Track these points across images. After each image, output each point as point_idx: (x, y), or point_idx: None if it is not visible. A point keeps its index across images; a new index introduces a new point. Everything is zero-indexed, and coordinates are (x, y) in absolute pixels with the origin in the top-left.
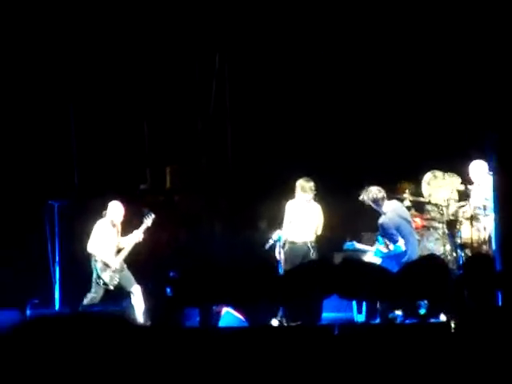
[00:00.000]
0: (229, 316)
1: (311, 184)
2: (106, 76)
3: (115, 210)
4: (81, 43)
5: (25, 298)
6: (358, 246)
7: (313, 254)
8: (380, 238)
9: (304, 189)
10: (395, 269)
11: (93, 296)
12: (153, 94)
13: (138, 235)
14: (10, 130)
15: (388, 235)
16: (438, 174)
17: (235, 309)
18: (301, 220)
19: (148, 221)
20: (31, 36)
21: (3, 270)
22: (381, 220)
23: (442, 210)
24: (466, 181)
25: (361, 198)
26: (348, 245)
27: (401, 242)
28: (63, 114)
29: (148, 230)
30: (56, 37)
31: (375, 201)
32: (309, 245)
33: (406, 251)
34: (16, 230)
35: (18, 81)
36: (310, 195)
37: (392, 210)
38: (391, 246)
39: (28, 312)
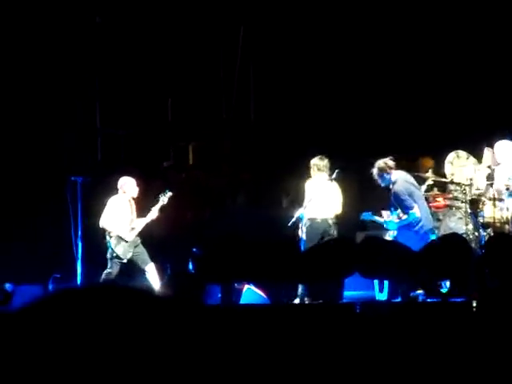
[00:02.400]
0: (250, 293)
1: (325, 162)
2: (132, 53)
3: (128, 185)
4: (105, 21)
5: (48, 273)
6: (375, 217)
7: (333, 232)
8: (393, 209)
9: (319, 167)
10: (413, 239)
11: (108, 272)
12: (177, 70)
13: (153, 213)
14: (34, 105)
15: (402, 202)
16: (462, 153)
17: (257, 286)
18: (320, 198)
19: (164, 198)
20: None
21: (26, 246)
22: (393, 188)
23: (464, 189)
24: (491, 161)
25: (372, 172)
26: (365, 215)
27: (415, 209)
28: (88, 90)
29: (168, 207)
30: (78, 14)
31: (384, 170)
32: (329, 222)
33: (419, 219)
34: (39, 206)
35: (44, 55)
36: (326, 173)
37: (401, 178)
38: (404, 216)
39: (51, 287)
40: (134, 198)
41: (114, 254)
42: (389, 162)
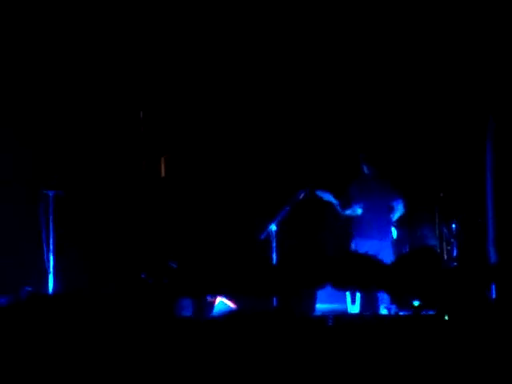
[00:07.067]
0: (222, 306)
1: None
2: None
3: None
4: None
5: (18, 286)
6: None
7: None
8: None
9: None
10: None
11: None
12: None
13: None
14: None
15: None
16: None
17: (229, 299)
18: None
19: None
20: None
21: None
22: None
23: None
24: None
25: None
26: None
27: None
28: (61, 99)
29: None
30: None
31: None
32: None
33: None
34: (10, 220)
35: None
36: None
37: None
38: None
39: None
40: None
41: None
42: None
